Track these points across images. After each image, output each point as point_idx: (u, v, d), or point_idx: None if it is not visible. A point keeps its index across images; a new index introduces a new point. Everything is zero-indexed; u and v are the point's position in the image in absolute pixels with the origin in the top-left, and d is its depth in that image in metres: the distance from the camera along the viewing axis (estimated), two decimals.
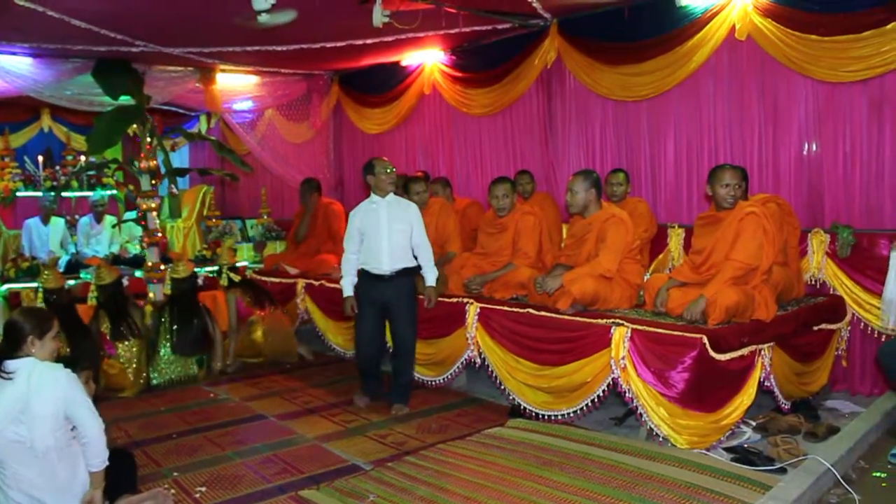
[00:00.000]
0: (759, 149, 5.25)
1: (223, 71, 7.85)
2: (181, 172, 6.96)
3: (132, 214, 7.52)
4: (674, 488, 3.32)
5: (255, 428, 4.61)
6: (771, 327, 4.02)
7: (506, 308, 4.70)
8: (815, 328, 4.50)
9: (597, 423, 4.39)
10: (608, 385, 4.03)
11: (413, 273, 4.76)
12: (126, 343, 5.37)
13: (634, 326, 3.92)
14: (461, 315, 4.88)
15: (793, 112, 5.05)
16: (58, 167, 8.67)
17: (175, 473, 3.83)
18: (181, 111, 9.74)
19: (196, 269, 6.11)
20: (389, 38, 6.32)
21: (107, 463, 2.98)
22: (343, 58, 7.52)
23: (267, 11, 4.59)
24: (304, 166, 8.89)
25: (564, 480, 3.46)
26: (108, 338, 5.36)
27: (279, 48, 6.71)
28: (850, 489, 3.43)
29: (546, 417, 4.37)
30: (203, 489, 3.62)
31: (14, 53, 6.53)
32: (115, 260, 7.18)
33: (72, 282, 6.56)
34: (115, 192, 8.97)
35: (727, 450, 3.82)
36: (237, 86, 8.21)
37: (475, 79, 7.06)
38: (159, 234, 6.48)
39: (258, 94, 8.49)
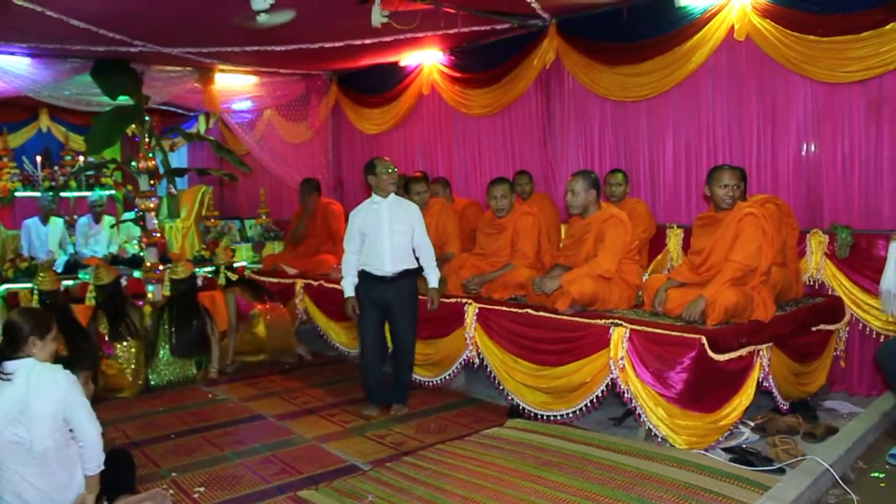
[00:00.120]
0: (758, 149, 5.25)
1: (222, 71, 7.84)
2: (180, 172, 6.95)
3: (131, 215, 7.51)
4: (672, 489, 3.32)
5: (254, 428, 4.61)
6: (769, 328, 4.02)
7: (504, 308, 4.70)
8: (814, 329, 4.51)
9: (595, 423, 4.39)
10: (607, 385, 4.03)
11: (414, 274, 4.74)
12: (124, 344, 5.36)
13: (633, 327, 3.93)
14: (460, 315, 4.88)
15: (791, 112, 5.06)
16: (56, 167, 8.66)
17: (173, 474, 3.83)
18: (180, 111, 9.73)
19: (195, 270, 6.10)
20: (388, 39, 6.31)
21: (102, 467, 2.98)
22: (342, 58, 7.51)
23: (266, 11, 4.59)
24: (302, 166, 8.89)
25: (563, 481, 3.47)
26: (106, 338, 5.35)
27: (278, 48, 6.70)
28: (848, 490, 3.42)
29: (545, 418, 4.37)
30: (201, 489, 3.62)
31: (12, 53, 6.52)
32: (114, 260, 7.17)
33: (70, 282, 6.56)
34: (113, 192, 8.96)
35: (726, 450, 3.82)
36: (236, 86, 8.20)
37: (474, 79, 7.06)
38: (158, 235, 6.48)
39: (257, 95, 8.48)
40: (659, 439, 3.84)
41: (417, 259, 4.76)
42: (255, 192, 9.44)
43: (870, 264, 4.57)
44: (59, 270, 6.80)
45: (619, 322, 4.00)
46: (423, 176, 6.12)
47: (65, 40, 6.02)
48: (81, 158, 8.63)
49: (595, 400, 4.12)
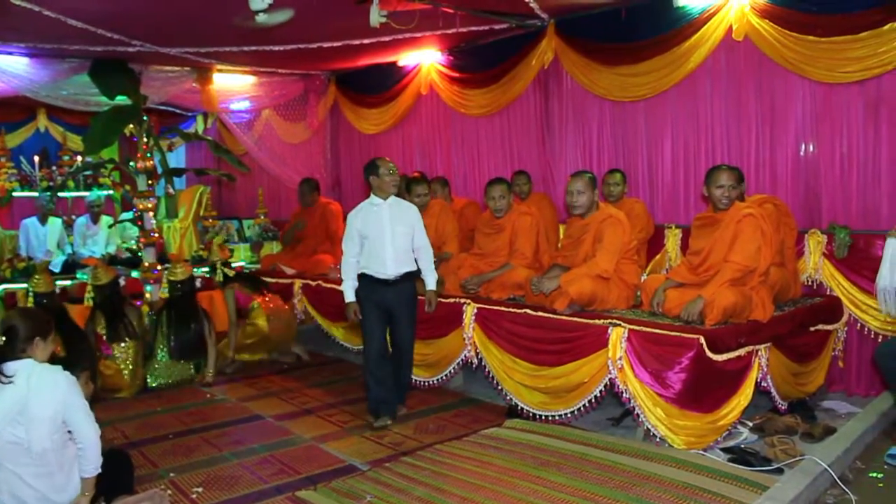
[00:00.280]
0: (757, 149, 5.25)
1: (220, 71, 7.83)
2: (178, 172, 6.95)
3: (129, 215, 7.50)
4: (671, 489, 3.32)
5: (252, 428, 4.60)
6: (768, 328, 4.02)
7: (503, 308, 4.70)
8: (812, 329, 4.51)
9: (594, 423, 4.39)
10: (605, 385, 4.03)
11: (414, 276, 4.67)
12: (122, 345, 5.35)
13: (632, 327, 3.93)
14: (458, 315, 4.88)
15: (790, 113, 5.06)
16: (54, 167, 8.64)
17: (172, 474, 3.83)
18: (178, 111, 9.71)
19: (194, 271, 6.10)
20: (386, 39, 6.31)
21: (99, 470, 2.97)
22: (340, 58, 7.51)
23: (264, 11, 4.58)
24: (301, 166, 8.88)
25: (561, 481, 3.47)
26: (104, 339, 5.34)
27: (276, 48, 6.69)
28: (846, 489, 3.43)
29: (543, 418, 4.37)
30: (200, 490, 3.61)
31: (10, 53, 6.50)
32: (112, 260, 7.16)
33: (68, 282, 6.54)
34: (111, 192, 8.95)
35: (724, 450, 3.82)
36: (234, 86, 8.19)
37: (472, 79, 7.05)
38: (156, 235, 6.47)
39: (255, 94, 8.47)
40: (657, 439, 3.84)
41: (415, 261, 4.73)
42: (254, 192, 9.43)
43: (868, 264, 4.57)
44: (57, 270, 6.79)
45: (618, 322, 4.00)
46: (422, 177, 6.11)
47: (63, 40, 6.01)
48: (79, 158, 8.61)
49: (593, 400, 4.12)
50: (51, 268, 6.77)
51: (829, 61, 4.70)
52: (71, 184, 8.39)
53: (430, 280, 4.74)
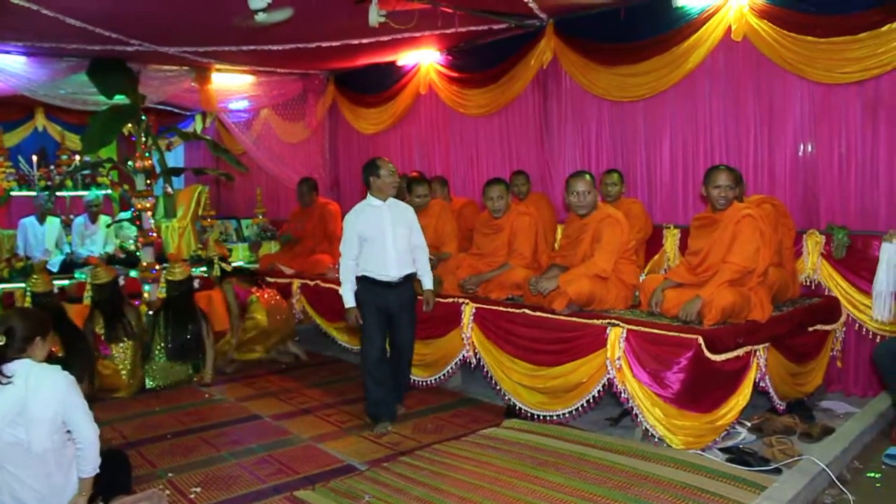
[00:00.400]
0: (755, 150, 5.26)
1: (218, 70, 7.82)
2: (176, 172, 6.94)
3: (127, 214, 7.49)
4: (669, 489, 3.32)
5: (251, 428, 4.60)
6: (766, 328, 4.03)
7: (501, 308, 4.70)
8: (811, 329, 4.51)
9: (592, 423, 4.39)
10: (604, 385, 4.03)
11: (413, 278, 4.62)
12: (121, 344, 5.34)
13: (630, 327, 3.93)
14: (457, 315, 4.88)
15: (788, 113, 5.06)
16: (52, 166, 8.62)
17: (170, 474, 3.82)
18: (176, 110, 9.71)
19: (192, 271, 6.09)
20: (385, 38, 6.31)
21: (97, 471, 2.97)
22: (339, 57, 7.50)
23: (263, 10, 4.57)
24: (299, 166, 8.87)
25: (560, 481, 3.47)
26: (102, 339, 5.33)
27: (275, 47, 6.69)
28: (844, 490, 3.43)
29: (541, 418, 4.37)
30: (198, 490, 3.61)
31: (8, 52, 6.49)
32: (110, 260, 7.15)
33: (66, 282, 6.53)
34: (109, 191, 8.93)
35: (722, 450, 3.82)
36: (233, 85, 8.18)
37: (471, 79, 7.05)
38: (154, 234, 6.46)
39: (254, 94, 8.47)
40: (656, 439, 3.84)
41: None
42: (252, 192, 9.42)
43: (866, 265, 4.57)
44: (55, 270, 6.78)
45: (616, 322, 4.00)
46: (422, 177, 6.11)
47: (61, 39, 6.00)
48: (77, 158, 8.59)
49: (592, 400, 4.12)
50: (49, 267, 6.76)
51: (828, 62, 4.70)
52: (69, 183, 8.37)
53: (427, 280, 4.70)
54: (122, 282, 6.05)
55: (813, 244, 4.83)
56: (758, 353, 3.98)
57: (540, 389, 4.38)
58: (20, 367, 2.87)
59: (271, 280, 6.72)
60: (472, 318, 4.79)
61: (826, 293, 4.81)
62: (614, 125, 6.10)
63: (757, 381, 3.98)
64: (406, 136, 8.14)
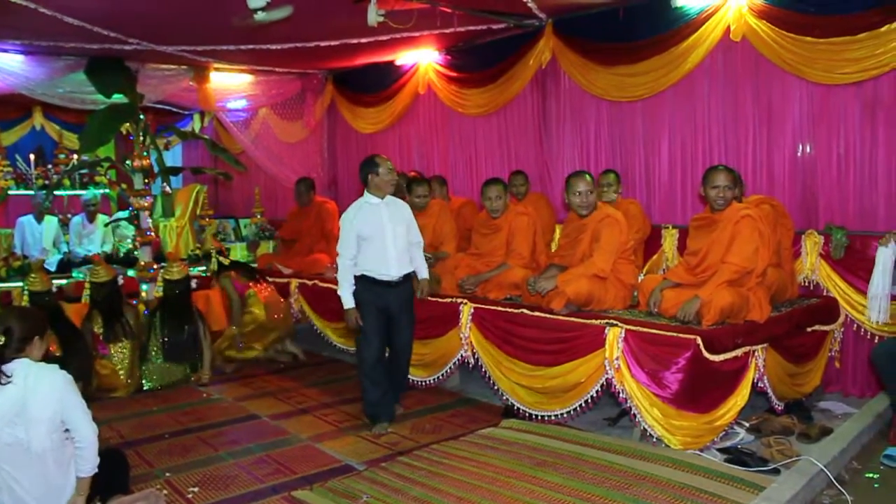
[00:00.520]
0: (754, 150, 5.26)
1: (217, 69, 7.81)
2: (174, 171, 6.94)
3: (125, 213, 7.48)
4: (667, 489, 3.32)
5: (248, 428, 4.59)
6: (764, 328, 4.03)
7: (500, 308, 4.70)
8: (809, 329, 4.52)
9: (590, 423, 4.39)
10: (602, 386, 4.03)
11: (412, 277, 4.61)
12: (119, 344, 5.33)
13: (628, 327, 3.92)
14: (455, 315, 4.87)
15: (787, 113, 5.06)
16: (50, 165, 8.60)
17: (167, 474, 3.82)
18: (174, 110, 9.69)
19: (190, 271, 6.08)
20: (384, 38, 6.30)
21: (96, 470, 2.96)
22: (337, 57, 7.49)
23: (262, 9, 4.57)
24: (297, 165, 8.86)
25: (558, 481, 3.46)
26: (100, 338, 5.32)
27: (273, 47, 6.68)
28: (842, 490, 3.44)
29: (539, 418, 4.36)
30: (195, 490, 3.60)
31: (5, 51, 6.48)
32: (107, 259, 7.14)
33: (63, 281, 6.52)
34: (107, 190, 8.92)
35: (721, 451, 3.82)
36: (231, 84, 8.17)
37: (470, 79, 7.05)
38: (152, 234, 6.45)
39: (252, 93, 8.45)
40: (654, 440, 3.84)
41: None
42: (250, 192, 9.41)
43: (864, 265, 4.57)
44: (53, 269, 6.76)
45: (615, 322, 4.00)
46: (421, 177, 6.10)
47: (59, 38, 5.98)
48: (75, 157, 8.58)
49: (590, 400, 4.11)
50: (46, 266, 6.74)
51: (827, 62, 4.70)
52: (67, 182, 8.35)
53: (423, 271, 4.65)
54: (120, 281, 6.04)
55: (811, 244, 4.84)
56: (756, 354, 3.98)
57: (538, 389, 4.38)
58: (18, 367, 2.86)
59: (270, 280, 6.71)
60: (470, 318, 4.79)
61: (824, 294, 4.81)
62: (613, 125, 6.10)
63: (755, 381, 3.98)
64: (405, 135, 8.14)
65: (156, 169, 6.39)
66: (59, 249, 7.81)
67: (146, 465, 3.96)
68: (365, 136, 8.60)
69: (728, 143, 5.38)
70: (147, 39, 6.22)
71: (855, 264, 4.66)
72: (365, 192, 4.47)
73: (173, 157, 10.63)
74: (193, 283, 6.13)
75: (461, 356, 4.86)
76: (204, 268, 6.84)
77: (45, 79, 6.80)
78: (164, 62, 7.38)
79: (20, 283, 5.92)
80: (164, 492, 3.55)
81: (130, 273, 6.50)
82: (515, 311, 4.57)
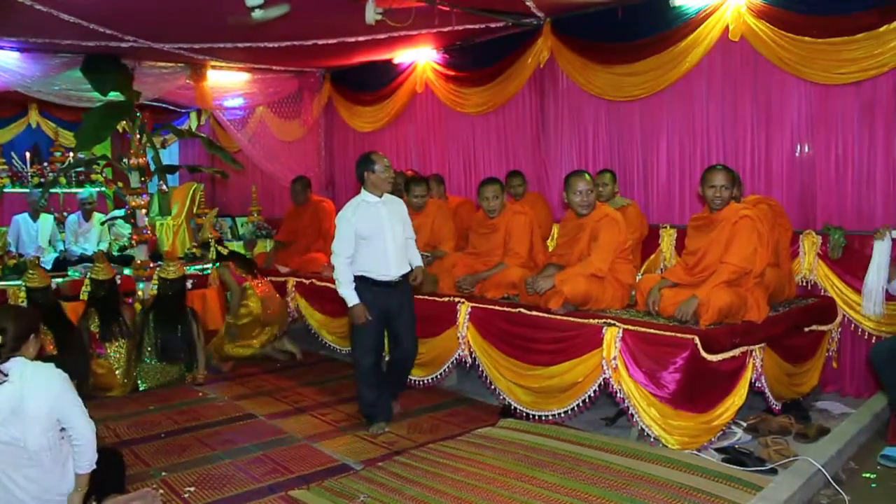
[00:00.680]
0: (752, 150, 5.25)
1: (214, 67, 7.79)
2: (171, 169, 6.90)
3: (121, 212, 7.46)
4: (665, 489, 3.32)
5: (245, 427, 4.58)
6: (762, 328, 4.03)
7: (497, 307, 4.69)
8: (807, 329, 4.52)
9: (588, 423, 4.38)
10: (599, 385, 4.03)
11: (408, 276, 4.57)
12: (116, 343, 5.31)
13: (626, 327, 3.92)
14: (452, 314, 4.86)
15: (785, 113, 5.06)
16: (45, 163, 8.58)
17: (163, 473, 3.80)
18: (171, 108, 9.64)
19: (186, 270, 6.06)
20: (382, 36, 6.29)
21: (94, 466, 2.95)
22: (335, 55, 7.48)
23: (260, 7, 4.55)
24: (294, 164, 8.84)
25: (555, 481, 3.46)
26: (97, 337, 5.30)
27: (271, 45, 6.66)
28: (840, 490, 3.44)
29: (537, 417, 4.36)
30: (192, 489, 3.59)
31: (1, 48, 6.45)
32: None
33: (59, 279, 6.49)
34: (103, 189, 8.89)
35: (718, 450, 3.82)
36: (228, 82, 8.14)
37: (468, 77, 7.04)
38: (148, 232, 6.43)
39: (249, 91, 8.42)
40: (651, 439, 3.83)
41: None
42: (247, 190, 9.37)
43: (862, 265, 4.56)
44: (49, 268, 6.73)
45: (612, 322, 3.99)
46: (419, 177, 6.09)
47: (55, 35, 5.96)
48: (71, 154, 8.56)
49: (587, 400, 4.11)
50: (42, 265, 6.71)
51: (825, 62, 4.70)
52: (63, 180, 8.33)
53: (416, 260, 4.58)
54: (119, 280, 6.02)
55: (809, 244, 4.84)
56: (754, 354, 3.98)
57: (535, 389, 4.37)
58: (14, 366, 2.85)
59: (267, 279, 6.70)
60: (467, 317, 4.78)
61: (822, 293, 4.81)
62: (611, 125, 6.10)
63: (753, 381, 3.98)
64: (402, 134, 8.12)
65: (152, 167, 6.36)
66: (54, 248, 7.78)
67: (142, 464, 3.95)
68: (362, 134, 8.58)
69: (726, 143, 5.38)
70: (144, 37, 6.20)
71: (853, 264, 4.66)
72: (362, 189, 4.40)
73: (170, 156, 10.61)
74: (189, 283, 6.11)
75: (458, 355, 4.85)
76: (201, 266, 6.81)
77: (41, 76, 6.77)
78: (160, 60, 7.35)
79: (15, 282, 5.90)
80: (161, 491, 3.54)
81: (126, 271, 6.49)
82: (513, 310, 4.56)
